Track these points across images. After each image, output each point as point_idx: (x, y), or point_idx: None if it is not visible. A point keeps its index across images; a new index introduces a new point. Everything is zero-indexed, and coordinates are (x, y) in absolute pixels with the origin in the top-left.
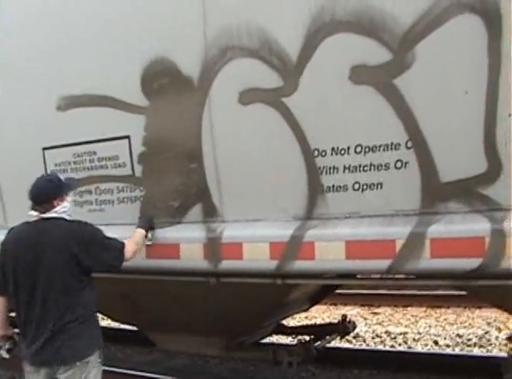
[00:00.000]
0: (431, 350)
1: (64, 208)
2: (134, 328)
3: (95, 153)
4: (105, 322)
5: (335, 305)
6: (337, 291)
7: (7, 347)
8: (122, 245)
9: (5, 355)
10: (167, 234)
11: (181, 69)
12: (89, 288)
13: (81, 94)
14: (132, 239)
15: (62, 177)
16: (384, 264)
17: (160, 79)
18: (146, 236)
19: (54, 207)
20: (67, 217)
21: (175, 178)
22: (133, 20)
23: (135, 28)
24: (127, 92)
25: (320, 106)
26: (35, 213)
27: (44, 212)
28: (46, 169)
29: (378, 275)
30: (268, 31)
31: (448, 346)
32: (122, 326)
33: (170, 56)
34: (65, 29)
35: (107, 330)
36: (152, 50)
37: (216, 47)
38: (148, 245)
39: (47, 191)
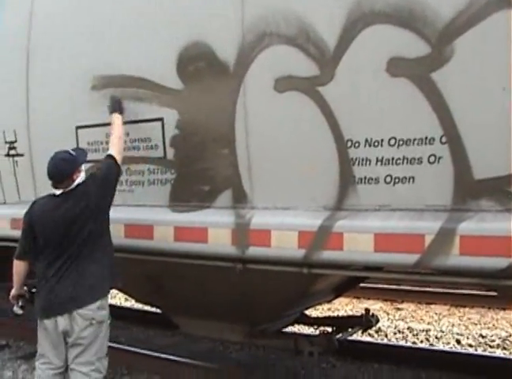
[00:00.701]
0: (453, 349)
1: (82, 178)
2: (157, 311)
3: (127, 134)
4: (129, 303)
5: (358, 298)
6: (361, 285)
7: (20, 304)
8: (114, 161)
9: (19, 311)
10: (195, 218)
11: (217, 53)
12: (107, 235)
13: (117, 75)
14: (113, 141)
15: (71, 150)
16: (412, 258)
17: (196, 63)
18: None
19: (74, 180)
20: (81, 181)
21: (207, 162)
22: (172, 2)
23: (173, 10)
24: (163, 75)
25: (355, 97)
26: (58, 191)
27: (67, 187)
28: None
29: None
30: (306, 19)
31: (471, 346)
32: (146, 308)
33: (206, 40)
34: (101, 10)
35: (130, 311)
36: (189, 33)
37: (254, 33)
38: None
39: (64, 170)
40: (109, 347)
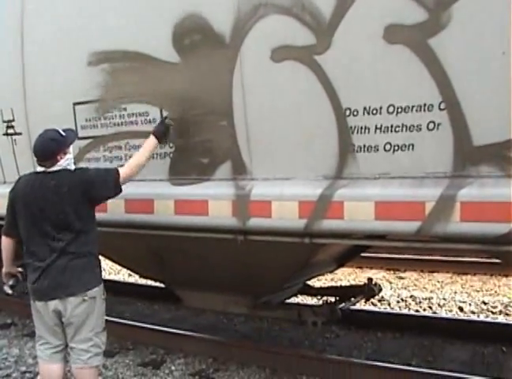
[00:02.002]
0: (456, 317)
1: (67, 161)
2: (161, 285)
3: (125, 109)
4: (132, 278)
5: (361, 268)
6: (363, 254)
7: (11, 283)
8: (117, 176)
9: (9, 291)
10: (195, 190)
11: (213, 25)
12: (93, 228)
13: (112, 50)
14: (131, 163)
15: (61, 130)
16: (413, 226)
17: (192, 35)
18: (161, 142)
19: (58, 161)
20: (70, 168)
21: (205, 135)
22: None
23: None
24: (158, 48)
25: (352, 65)
26: (41, 169)
27: (50, 167)
28: (76, 124)
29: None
30: None
31: (473, 313)
32: (149, 282)
33: (202, 12)
34: None
35: (134, 286)
36: (183, 5)
37: (249, 3)
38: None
39: (50, 148)
40: (114, 322)
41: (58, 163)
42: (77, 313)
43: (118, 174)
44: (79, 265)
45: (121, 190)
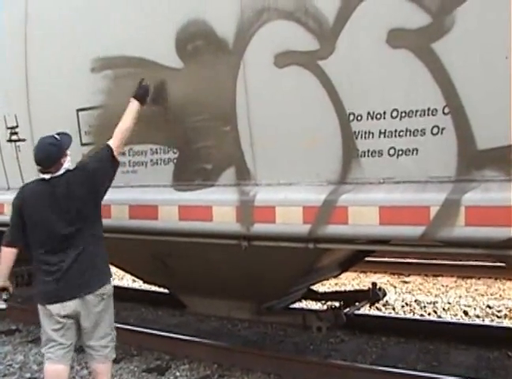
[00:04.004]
0: (461, 321)
1: (69, 162)
2: (165, 291)
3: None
4: (136, 284)
5: (365, 272)
6: (367, 259)
7: (4, 297)
8: (110, 152)
9: (3, 306)
10: (199, 196)
11: (216, 30)
12: (101, 224)
13: (115, 56)
14: (118, 130)
15: (56, 135)
16: (418, 230)
17: (195, 41)
18: (142, 104)
19: (62, 164)
20: (70, 168)
21: (209, 140)
22: None
23: None
24: (162, 54)
25: (356, 70)
26: (47, 175)
27: (56, 172)
28: (80, 130)
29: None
30: None
31: (478, 317)
32: (154, 288)
33: (205, 17)
34: None
35: (138, 292)
36: (187, 11)
37: (252, 9)
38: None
39: (53, 153)
40: (118, 328)
41: (63, 167)
42: (98, 310)
43: (111, 149)
44: (95, 263)
45: (118, 163)
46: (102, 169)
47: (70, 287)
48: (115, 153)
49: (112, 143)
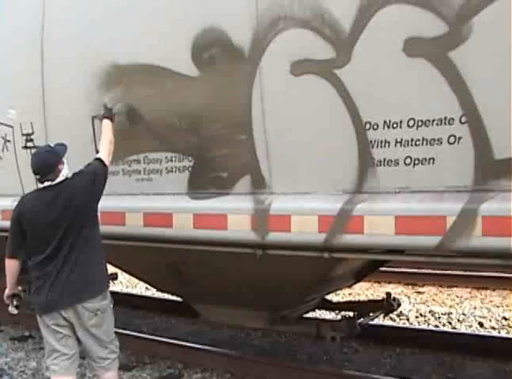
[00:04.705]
0: (476, 332)
1: (66, 170)
2: (178, 299)
3: (143, 122)
4: (150, 292)
5: (379, 282)
6: (381, 269)
7: (15, 303)
8: (102, 162)
9: (15, 311)
10: (214, 204)
11: (232, 38)
12: (98, 232)
13: (131, 63)
14: (103, 144)
15: (51, 144)
16: (434, 240)
17: (211, 49)
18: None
19: (60, 171)
20: (69, 175)
21: (224, 148)
22: None
23: None
24: (178, 62)
25: (372, 79)
26: (46, 183)
27: (54, 179)
28: (95, 137)
29: None
30: (320, 1)
31: (493, 328)
32: (167, 296)
33: (221, 25)
34: None
35: (151, 300)
36: (203, 19)
37: (268, 17)
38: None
39: (49, 160)
40: (131, 336)
41: (62, 173)
42: (92, 324)
43: (106, 165)
44: (88, 274)
45: (107, 168)
46: (100, 174)
47: (61, 296)
48: (106, 162)
49: (101, 155)
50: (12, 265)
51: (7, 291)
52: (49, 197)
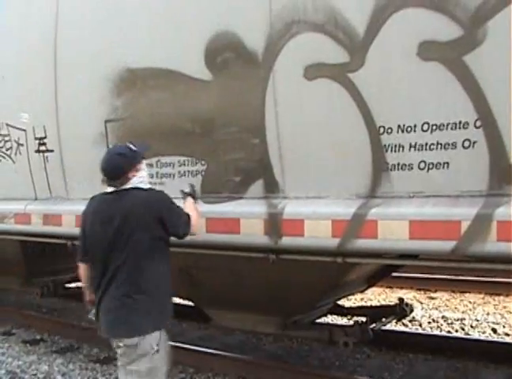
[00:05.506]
0: (490, 338)
1: (140, 179)
2: (190, 303)
3: (157, 126)
4: None
5: (391, 288)
6: (394, 274)
7: (94, 311)
8: (188, 215)
9: (94, 318)
10: (227, 208)
11: (245, 42)
12: (158, 265)
13: (144, 67)
14: (194, 213)
15: (132, 145)
16: (448, 245)
17: (224, 53)
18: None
19: (129, 179)
20: (143, 186)
21: (237, 152)
22: None
23: (200, 0)
24: (191, 66)
25: (387, 83)
26: (110, 189)
27: (120, 186)
28: (107, 141)
29: None
30: (334, 5)
31: (507, 335)
32: (178, 301)
33: (234, 30)
34: (127, 2)
35: None
36: (216, 23)
37: (282, 21)
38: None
39: (120, 166)
40: None
41: (131, 182)
42: (125, 361)
43: (190, 221)
44: (126, 305)
45: (186, 234)
46: (175, 219)
47: (104, 321)
48: (192, 228)
49: (192, 219)
50: (81, 270)
51: (86, 296)
52: (108, 203)
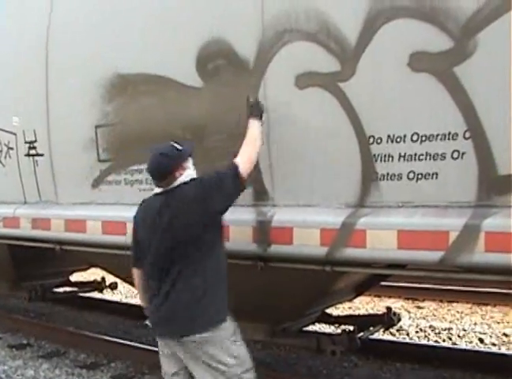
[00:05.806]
0: (476, 348)
1: (187, 177)
2: None
3: (146, 132)
4: None
5: (379, 297)
6: (382, 283)
7: (149, 318)
8: (235, 173)
9: (149, 323)
10: None
11: (237, 50)
12: (211, 255)
13: (135, 73)
14: (245, 149)
15: (177, 144)
16: (436, 255)
17: (216, 60)
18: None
19: (176, 178)
20: (187, 180)
21: (227, 160)
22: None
23: (192, 7)
24: (182, 73)
25: (377, 93)
26: (158, 190)
27: (167, 186)
28: (98, 147)
29: None
30: (326, 14)
31: (494, 345)
32: None
33: (226, 37)
34: (121, 7)
35: None
36: (208, 30)
37: (273, 29)
38: None
39: (164, 167)
40: (131, 346)
41: (179, 180)
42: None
43: (238, 171)
44: (189, 303)
45: (243, 187)
46: (219, 188)
47: (163, 322)
48: (241, 169)
49: (240, 165)
50: (134, 275)
51: (142, 303)
52: (158, 204)
